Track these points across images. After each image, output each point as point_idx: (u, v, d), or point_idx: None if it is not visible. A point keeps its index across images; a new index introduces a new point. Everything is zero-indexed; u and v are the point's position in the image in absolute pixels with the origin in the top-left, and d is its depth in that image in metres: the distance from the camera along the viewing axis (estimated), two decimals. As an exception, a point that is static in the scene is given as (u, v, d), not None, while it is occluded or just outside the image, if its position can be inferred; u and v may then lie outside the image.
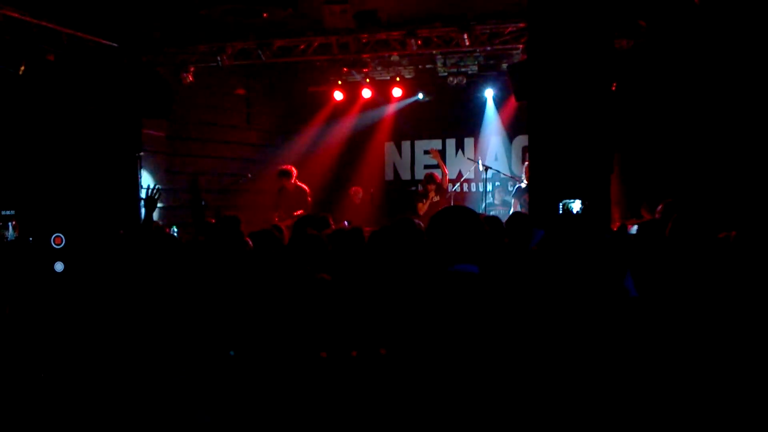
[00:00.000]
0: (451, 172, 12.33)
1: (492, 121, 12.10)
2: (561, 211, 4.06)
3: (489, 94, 11.85)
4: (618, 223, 7.15)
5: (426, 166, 12.21)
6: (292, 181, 9.95)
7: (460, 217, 2.86)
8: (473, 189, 12.23)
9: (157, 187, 6.58)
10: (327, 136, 12.86)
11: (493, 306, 2.69)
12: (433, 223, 2.90)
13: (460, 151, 12.38)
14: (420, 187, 10.59)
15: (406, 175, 12.98)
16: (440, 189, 10.23)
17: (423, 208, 10.06)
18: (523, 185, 9.76)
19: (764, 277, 3.56)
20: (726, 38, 7.83)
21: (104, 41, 9.00)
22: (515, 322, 2.72)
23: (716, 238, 4.00)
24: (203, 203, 7.21)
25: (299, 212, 9.50)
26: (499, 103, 11.95)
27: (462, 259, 2.78)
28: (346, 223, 7.32)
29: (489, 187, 10.65)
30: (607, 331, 3.08)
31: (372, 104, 12.40)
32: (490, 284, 2.78)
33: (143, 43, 9.59)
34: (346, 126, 12.86)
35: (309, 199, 9.98)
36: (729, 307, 3.22)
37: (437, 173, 10.46)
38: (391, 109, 12.56)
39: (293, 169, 10.18)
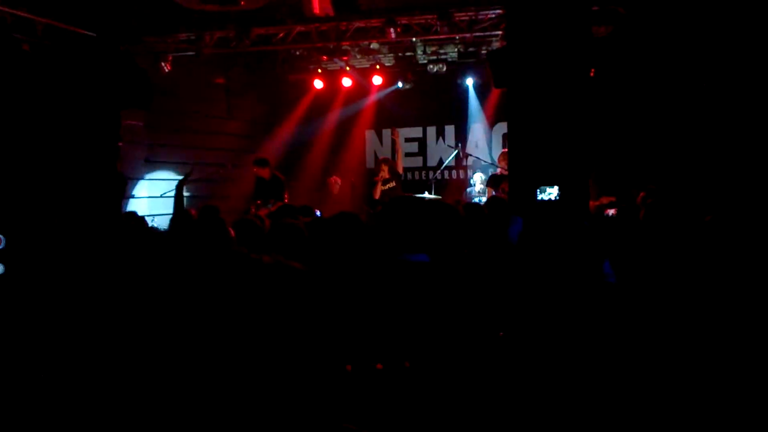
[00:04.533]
0: (431, 160, 12.33)
1: (473, 108, 12.12)
2: (538, 198, 4.10)
3: (470, 82, 11.84)
4: (595, 202, 7.18)
5: (407, 154, 12.21)
6: (268, 170, 9.83)
7: (409, 206, 2.87)
8: (454, 176, 12.26)
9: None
10: (308, 125, 12.83)
11: (444, 294, 2.70)
12: (383, 213, 2.91)
13: (440, 139, 12.39)
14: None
15: (387, 163, 12.98)
16: (394, 172, 10.23)
17: (376, 191, 10.08)
18: (498, 172, 9.75)
19: (740, 260, 3.60)
20: (705, 24, 7.88)
21: (81, 31, 8.89)
22: (471, 311, 2.73)
23: (692, 222, 4.04)
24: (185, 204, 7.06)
25: (274, 201, 9.45)
26: (480, 91, 11.97)
27: (412, 249, 2.80)
28: (318, 213, 7.28)
29: (470, 174, 10.69)
30: (585, 318, 3.10)
31: (352, 93, 12.37)
32: (440, 273, 2.79)
33: (121, 32, 9.48)
34: (326, 114, 12.83)
35: (285, 188, 9.89)
36: (705, 291, 3.25)
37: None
38: (372, 97, 12.55)
39: (268, 159, 10.11)
